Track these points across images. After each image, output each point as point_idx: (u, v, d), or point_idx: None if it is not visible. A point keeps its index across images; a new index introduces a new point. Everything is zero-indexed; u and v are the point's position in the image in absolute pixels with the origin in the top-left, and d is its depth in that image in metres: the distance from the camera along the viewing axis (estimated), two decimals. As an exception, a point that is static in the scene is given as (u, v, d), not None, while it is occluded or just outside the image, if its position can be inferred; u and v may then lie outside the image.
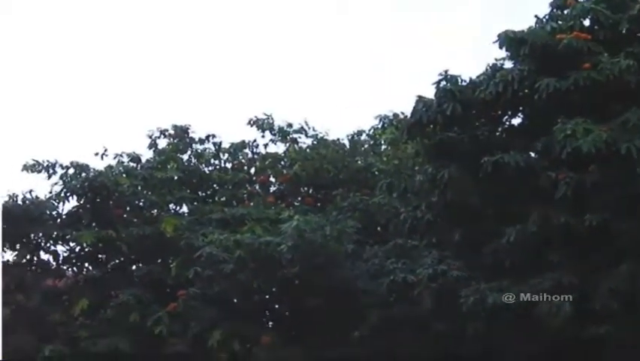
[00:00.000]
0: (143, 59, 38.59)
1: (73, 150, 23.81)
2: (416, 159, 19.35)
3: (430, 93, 16.86)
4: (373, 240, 19.30)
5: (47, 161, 20.48)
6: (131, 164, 21.87)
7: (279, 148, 23.03)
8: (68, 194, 20.31)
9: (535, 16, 17.10)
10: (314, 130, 23.10)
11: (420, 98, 16.94)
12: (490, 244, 16.28)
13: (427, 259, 17.40)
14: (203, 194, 22.55)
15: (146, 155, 22.32)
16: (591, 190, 15.16)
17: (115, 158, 21.71)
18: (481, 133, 16.89)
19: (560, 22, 16.67)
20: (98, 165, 21.14)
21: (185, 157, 22.74)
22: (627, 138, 14.76)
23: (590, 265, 15.52)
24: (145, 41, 40.17)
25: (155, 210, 21.29)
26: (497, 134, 17.38)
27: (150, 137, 22.85)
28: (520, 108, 17.14)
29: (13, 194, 20.00)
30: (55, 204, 20.41)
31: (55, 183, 20.39)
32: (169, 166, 21.93)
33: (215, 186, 22.64)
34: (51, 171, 20.45)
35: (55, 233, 20.23)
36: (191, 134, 22.95)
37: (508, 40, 16.35)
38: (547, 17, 17.07)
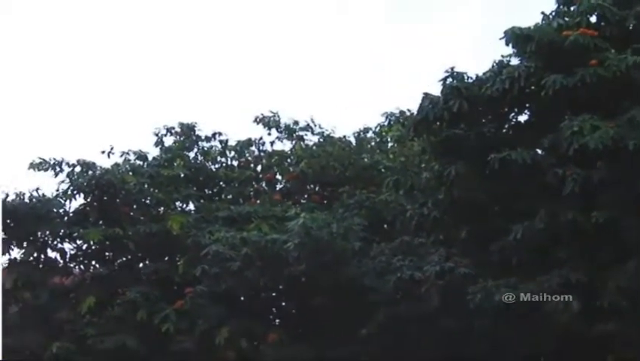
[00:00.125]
0: (150, 57, 38.65)
1: (80, 149, 23.88)
2: (422, 156, 19.32)
3: (431, 91, 16.85)
4: (380, 237, 19.30)
5: (54, 159, 20.51)
6: (138, 162, 21.89)
7: (286, 146, 23.09)
8: (75, 192, 20.35)
9: (542, 12, 17.07)
10: (320, 128, 23.14)
11: (426, 95, 16.91)
12: (497, 241, 16.24)
13: (434, 256, 17.39)
14: (210, 192, 22.57)
15: (153, 153, 22.39)
16: (598, 187, 15.12)
17: (121, 156, 21.78)
18: (488, 130, 16.84)
19: (566, 19, 16.62)
20: (105, 163, 21.23)
21: (192, 155, 22.76)
22: (634, 135, 14.71)
23: (598, 262, 15.49)
24: (152, 39, 40.25)
25: (162, 208, 21.32)
26: (504, 131, 17.34)
27: (157, 135, 22.89)
28: (527, 105, 17.10)
29: (20, 192, 20.04)
30: (62, 202, 20.46)
31: (62, 181, 20.46)
32: (175, 164, 21.94)
33: (221, 183, 22.64)
34: (58, 169, 20.49)
35: (62, 231, 20.26)
36: (197, 132, 22.98)
37: (515, 36, 16.31)
38: (553, 14, 17.03)
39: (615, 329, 15.10)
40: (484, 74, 16.75)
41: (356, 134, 23.19)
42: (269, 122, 22.82)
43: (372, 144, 23.22)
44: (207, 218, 20.57)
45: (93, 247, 20.47)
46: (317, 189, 22.43)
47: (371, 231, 19.15)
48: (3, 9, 31.27)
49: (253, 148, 23.09)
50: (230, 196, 22.15)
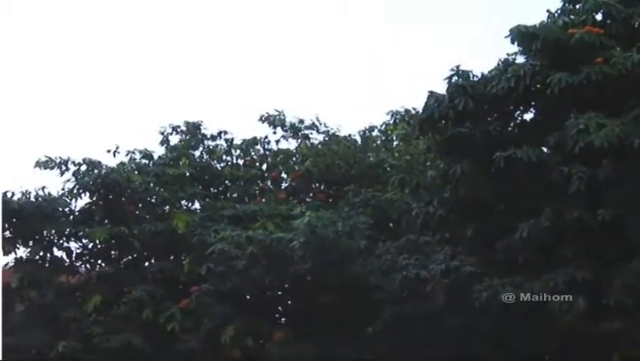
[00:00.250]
0: (156, 56, 38.75)
1: (86, 148, 23.90)
2: (428, 155, 19.30)
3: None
4: (385, 236, 19.28)
5: (59, 158, 20.53)
6: (143, 161, 21.90)
7: (291, 144, 23.09)
8: (81, 191, 20.37)
9: (547, 10, 17.05)
10: (325, 126, 23.13)
11: (431, 94, 16.90)
12: (503, 239, 16.22)
13: (440, 254, 17.38)
14: (215, 190, 22.57)
15: (158, 151, 22.38)
16: (604, 185, 15.10)
17: (127, 155, 21.77)
18: (493, 128, 16.82)
19: (572, 17, 16.61)
20: (111, 161, 21.23)
21: (197, 154, 22.77)
22: (640, 133, 14.71)
23: (604, 261, 15.46)
24: (158, 38, 40.31)
25: (167, 207, 21.33)
26: (509, 129, 17.32)
27: (162, 133, 22.89)
28: (533, 103, 17.08)
29: (26, 191, 20.05)
30: (68, 201, 20.49)
31: (68, 180, 20.48)
32: (181, 163, 21.95)
33: (227, 182, 22.65)
34: (63, 168, 20.50)
35: (67, 230, 20.28)
36: (203, 131, 22.98)
37: (520, 35, 16.29)
38: (559, 12, 17.01)
39: (621, 327, 15.09)
40: (489, 72, 16.74)
41: (361, 133, 23.18)
42: (274, 120, 22.82)
43: (378, 142, 23.21)
44: (213, 217, 20.58)
45: (99, 246, 20.49)
46: (322, 187, 22.42)
47: (377, 229, 19.14)
48: (3, 9, 31.30)
49: (258, 147, 23.09)
50: (235, 195, 22.16)
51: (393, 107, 23.14)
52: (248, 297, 19.51)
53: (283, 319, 20.25)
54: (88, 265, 20.84)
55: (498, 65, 16.81)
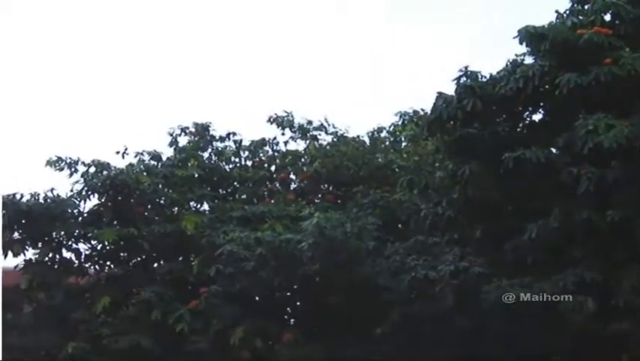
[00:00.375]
0: (164, 58, 38.74)
1: (95, 149, 23.90)
2: (436, 156, 19.29)
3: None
4: (394, 237, 19.27)
5: (69, 158, 20.55)
6: (152, 162, 21.91)
7: (299, 145, 23.08)
8: (90, 192, 20.40)
9: (556, 11, 17.04)
10: (334, 127, 23.10)
11: (440, 95, 16.90)
12: (512, 240, 16.22)
13: (449, 255, 17.37)
14: (224, 192, 22.58)
15: (167, 153, 22.38)
16: (613, 186, 15.08)
17: (136, 156, 21.77)
18: (502, 129, 16.82)
19: (580, 17, 16.59)
20: (119, 163, 21.24)
21: (206, 155, 22.77)
22: (649, 133, 14.69)
23: (613, 262, 15.45)
24: (166, 40, 40.31)
25: (176, 208, 21.34)
26: (518, 130, 17.31)
27: (171, 135, 22.90)
28: (541, 104, 17.07)
29: (35, 192, 20.10)
30: (77, 202, 20.50)
31: (77, 182, 20.50)
32: (190, 164, 21.96)
33: (235, 183, 22.65)
34: (73, 168, 20.52)
35: (76, 231, 20.31)
36: (211, 132, 22.98)
37: (529, 35, 16.28)
38: (567, 12, 16.99)
39: (630, 328, 15.06)
40: (497, 72, 16.73)
41: (370, 134, 23.16)
42: (282, 122, 22.82)
43: (386, 143, 23.19)
44: (221, 218, 20.59)
45: (108, 248, 20.51)
46: (331, 188, 22.42)
47: (385, 230, 19.13)
48: (5, 9, 31.34)
49: (267, 148, 23.09)
50: (244, 196, 22.17)
51: (399, 107, 23.17)
52: (257, 298, 19.52)
53: (292, 320, 20.25)
54: (97, 267, 20.86)
55: (506, 65, 16.80)
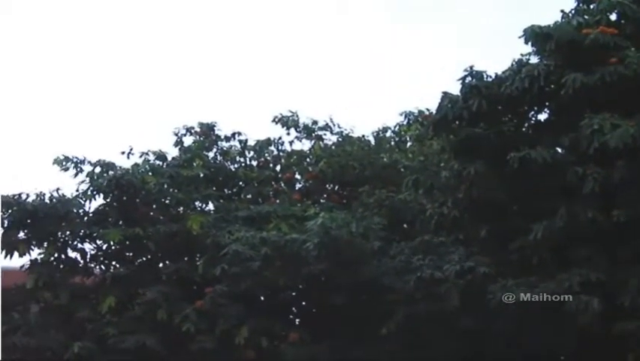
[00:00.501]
0: (169, 57, 38.82)
1: (100, 149, 23.90)
2: (442, 156, 19.31)
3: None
4: (399, 236, 19.27)
5: (76, 157, 20.57)
6: (157, 162, 21.89)
7: (305, 145, 23.05)
8: (95, 192, 20.39)
9: (562, 11, 17.04)
10: (339, 127, 23.08)
11: (445, 94, 16.91)
12: (517, 240, 16.23)
13: (454, 255, 17.37)
14: (229, 191, 22.57)
15: (172, 153, 22.36)
16: (619, 186, 15.08)
17: (141, 156, 21.72)
18: (507, 129, 16.83)
19: (586, 17, 16.59)
20: (125, 163, 21.22)
21: (211, 155, 22.76)
22: (655, 133, 14.68)
23: (618, 261, 15.44)
24: (171, 39, 40.40)
25: (182, 208, 21.33)
26: (523, 129, 17.33)
27: (176, 134, 22.89)
28: (547, 104, 17.08)
29: (41, 192, 20.09)
30: (82, 202, 20.47)
31: (82, 182, 20.46)
32: (195, 164, 21.94)
33: (240, 183, 22.64)
34: (79, 168, 20.52)
35: (82, 231, 20.30)
36: (216, 132, 22.97)
37: (534, 35, 16.29)
38: (573, 12, 16.99)
39: (636, 328, 15.06)
40: (503, 72, 16.75)
41: (375, 134, 23.15)
42: (288, 121, 22.80)
43: (392, 143, 23.18)
44: (227, 218, 20.58)
45: (113, 247, 20.50)
46: (336, 188, 22.41)
47: (390, 230, 19.13)
48: (6, 9, 31.42)
49: (272, 148, 23.08)
50: (249, 196, 22.16)
51: (402, 107, 23.09)
52: (262, 298, 19.54)
53: (297, 320, 20.25)
54: (102, 267, 20.84)
55: (512, 65, 16.81)
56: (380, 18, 39.51)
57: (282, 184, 22.70)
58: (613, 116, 15.01)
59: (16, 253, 19.64)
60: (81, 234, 20.36)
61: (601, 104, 15.48)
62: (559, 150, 16.08)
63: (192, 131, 22.99)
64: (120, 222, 20.27)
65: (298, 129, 22.94)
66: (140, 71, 40.31)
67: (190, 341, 18.62)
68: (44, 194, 20.10)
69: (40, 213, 19.72)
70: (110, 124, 35.47)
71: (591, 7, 16.80)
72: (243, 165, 22.99)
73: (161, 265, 20.84)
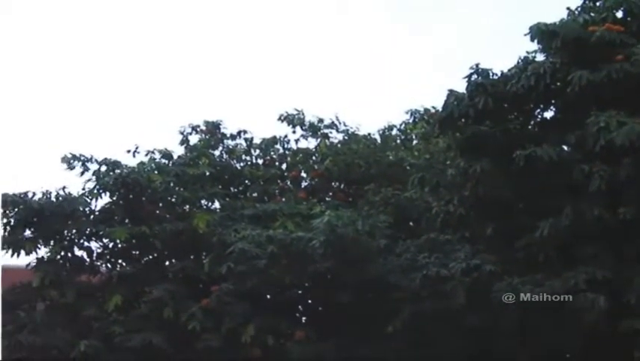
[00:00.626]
0: (176, 56, 38.85)
1: (106, 148, 23.96)
2: (448, 153, 19.30)
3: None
4: (405, 234, 19.27)
5: (82, 156, 20.59)
6: (163, 160, 21.90)
7: (310, 143, 23.06)
8: (101, 191, 20.41)
9: (567, 8, 17.01)
10: (345, 125, 23.09)
11: (451, 92, 16.89)
12: (523, 238, 16.21)
13: (460, 253, 17.35)
14: (235, 190, 22.59)
15: (178, 151, 22.39)
16: (625, 183, 15.06)
17: (147, 155, 21.75)
18: (513, 127, 16.82)
19: (592, 14, 16.58)
20: (131, 161, 21.24)
21: (217, 153, 22.78)
22: (661, 131, 14.64)
23: (624, 259, 15.42)
24: (177, 38, 40.43)
25: (188, 206, 21.35)
26: (529, 127, 17.31)
27: (182, 133, 22.92)
28: (553, 101, 17.05)
29: (47, 191, 20.12)
30: (89, 200, 20.51)
31: (89, 180, 20.50)
32: (201, 162, 21.95)
33: (246, 181, 22.66)
34: (85, 167, 20.53)
35: (88, 229, 20.32)
36: (222, 130, 23.00)
37: (540, 32, 16.26)
38: (579, 9, 16.97)
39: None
40: (509, 70, 16.74)
41: (381, 132, 23.15)
42: (293, 120, 22.79)
43: (397, 141, 23.17)
44: (233, 216, 20.59)
45: (119, 246, 20.54)
46: (342, 186, 22.42)
47: (396, 228, 19.12)
48: (6, 9, 31.44)
49: (278, 146, 23.09)
50: (255, 194, 22.17)
51: (406, 106, 23.16)
52: (268, 296, 19.54)
53: (303, 318, 20.25)
54: (109, 265, 20.87)
55: (518, 63, 16.79)
56: (380, 18, 39.61)
57: (288, 182, 22.71)
58: (619, 114, 14.98)
59: (22, 252, 19.66)
60: (87, 232, 20.38)
61: (607, 101, 15.46)
62: (565, 147, 16.07)
63: (198, 129, 23.02)
64: (126, 221, 20.29)
65: (304, 127, 22.93)
66: (146, 69, 40.40)
67: (196, 339, 18.63)
68: (50, 192, 20.15)
69: (46, 211, 19.76)
70: (116, 123, 35.58)
71: (597, 4, 16.79)
72: (248, 163, 23.01)
73: (167, 263, 20.87)
